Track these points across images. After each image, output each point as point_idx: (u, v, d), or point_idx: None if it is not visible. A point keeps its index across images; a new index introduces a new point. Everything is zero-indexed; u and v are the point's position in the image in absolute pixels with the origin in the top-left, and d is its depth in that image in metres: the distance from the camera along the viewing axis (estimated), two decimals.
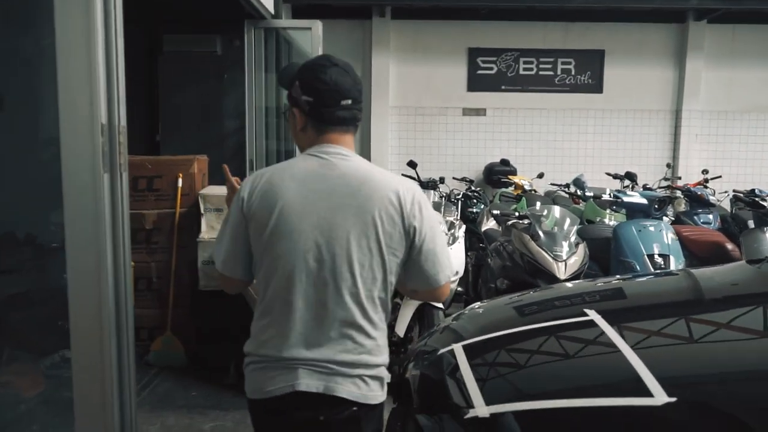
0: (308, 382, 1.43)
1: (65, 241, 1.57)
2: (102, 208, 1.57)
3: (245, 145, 6.62)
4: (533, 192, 6.56)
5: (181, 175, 4.04)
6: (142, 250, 4.06)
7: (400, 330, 3.53)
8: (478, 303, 2.57)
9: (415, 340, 3.61)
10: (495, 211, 3.91)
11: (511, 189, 6.99)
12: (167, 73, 8.17)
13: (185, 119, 7.79)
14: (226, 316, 3.60)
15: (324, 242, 1.43)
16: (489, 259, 4.08)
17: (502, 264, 3.77)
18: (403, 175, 6.76)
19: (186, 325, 4.07)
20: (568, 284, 2.70)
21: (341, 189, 1.45)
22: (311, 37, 6.32)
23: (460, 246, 3.74)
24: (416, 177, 6.38)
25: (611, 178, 7.15)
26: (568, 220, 3.72)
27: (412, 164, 6.28)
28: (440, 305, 3.57)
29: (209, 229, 3.88)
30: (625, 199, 4.04)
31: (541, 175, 7.27)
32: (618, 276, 3.36)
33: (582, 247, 3.59)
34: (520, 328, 1.87)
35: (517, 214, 3.84)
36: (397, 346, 3.55)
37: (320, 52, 6.32)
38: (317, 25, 6.18)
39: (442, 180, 6.06)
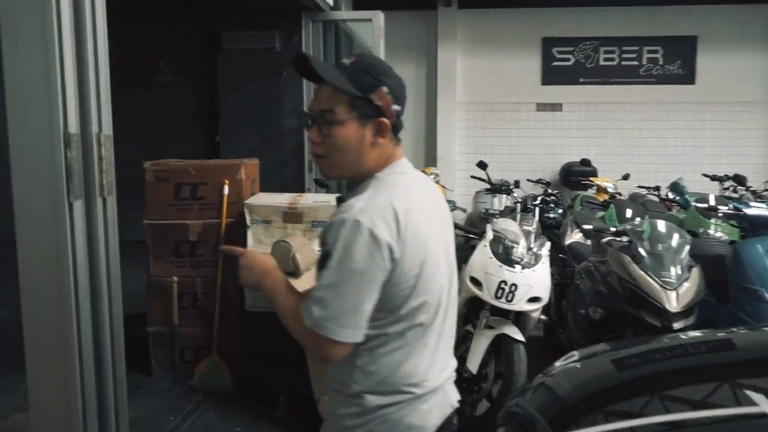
0: (455, 396, 1.47)
1: (20, 295, 1.15)
2: (64, 250, 1.13)
3: (304, 145, 6.30)
4: (618, 195, 5.86)
5: (227, 181, 3.65)
6: (186, 263, 3.71)
7: (473, 365, 3.01)
8: (576, 354, 2.03)
9: (490, 379, 3.08)
10: (586, 226, 3.31)
11: (591, 192, 6.30)
12: (226, 72, 7.96)
13: (244, 119, 7.55)
14: (276, 340, 3.19)
15: (449, 267, 1.45)
16: (577, 280, 3.49)
17: (595, 289, 3.17)
18: (472, 177, 6.23)
19: (232, 346, 3.69)
20: (692, 333, 2.11)
21: (439, 209, 1.46)
22: (372, 29, 5.89)
23: (544, 267, 3.17)
24: (486, 179, 5.83)
25: (709, 180, 6.34)
26: (675, 237, 3.09)
27: (482, 165, 5.73)
28: (521, 338, 3.03)
29: (256, 243, 3.47)
30: (749, 212, 3.34)
31: (626, 177, 6.53)
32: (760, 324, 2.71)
33: (696, 272, 2.95)
34: (654, 418, 1.31)
35: (613, 229, 3.22)
36: (469, 383, 3.03)
37: (381, 46, 5.87)
38: (378, 17, 5.73)
39: (517, 183, 5.47)
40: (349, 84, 1.31)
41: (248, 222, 3.47)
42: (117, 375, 1.28)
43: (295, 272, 3.18)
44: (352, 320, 1.25)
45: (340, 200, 1.45)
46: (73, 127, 1.16)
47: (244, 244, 3.51)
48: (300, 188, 5.95)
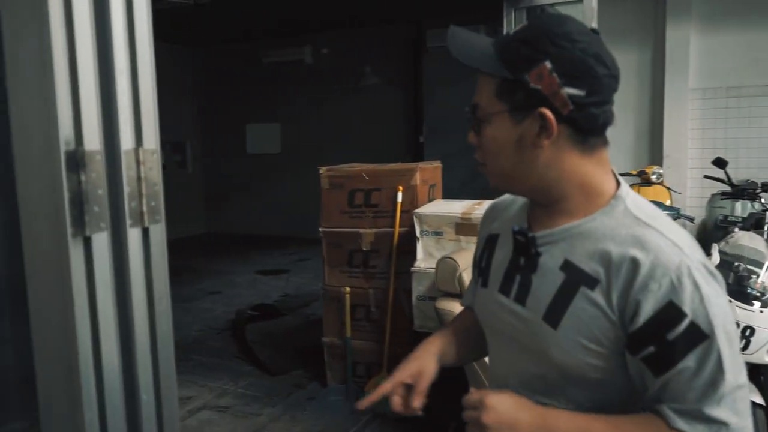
0: None
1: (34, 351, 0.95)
2: (69, 298, 0.90)
3: None
4: None
5: (401, 188, 3.38)
6: (359, 274, 3.53)
7: None
8: None
9: None
10: None
11: None
12: (431, 72, 7.85)
13: (448, 119, 7.33)
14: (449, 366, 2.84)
15: None
16: None
17: None
18: (705, 177, 5.16)
19: None
20: None
21: None
22: (583, 12, 5.20)
23: None
24: (726, 179, 4.78)
25: None
26: None
27: (719, 163, 4.70)
28: (760, 401, 2.24)
29: (427, 256, 3.14)
30: None
31: None
32: None
33: None
34: None
35: None
36: None
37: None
38: None
39: (765, 186, 4.36)
40: (499, 63, 0.93)
41: (418, 233, 3.16)
42: None
43: (461, 294, 2.79)
44: None
45: (523, 234, 1.00)
46: (94, 142, 0.92)
47: (415, 256, 3.21)
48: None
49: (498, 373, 1.11)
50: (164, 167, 8.90)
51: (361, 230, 3.47)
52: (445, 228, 3.07)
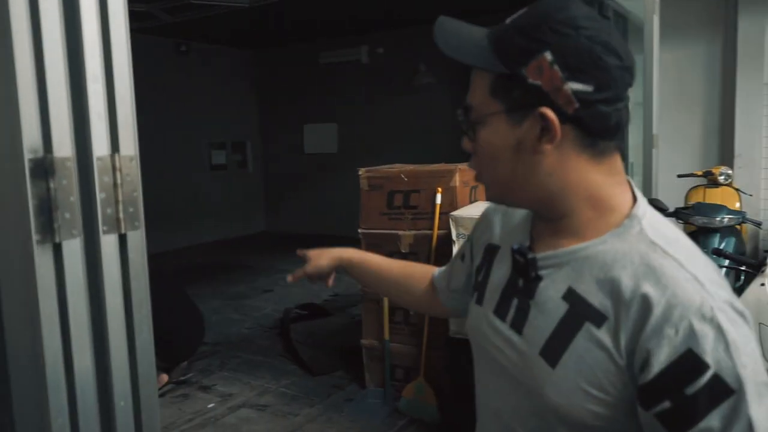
0: None
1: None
2: (34, 300, 0.90)
3: None
4: None
5: (440, 189, 3.31)
6: None
7: None
8: None
9: None
10: None
11: None
12: None
13: None
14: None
15: None
16: None
17: None
18: None
19: (439, 372, 3.34)
20: None
21: None
22: (644, 4, 4.95)
23: None
24: None
25: None
26: None
27: None
28: None
29: None
30: None
31: None
32: None
33: None
34: None
35: None
36: None
37: (655, 22, 4.88)
38: None
39: None
40: (493, 56, 0.82)
41: (454, 236, 3.08)
42: None
43: None
44: None
45: (522, 254, 0.88)
46: (65, 149, 0.92)
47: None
48: None
49: (489, 403, 0.99)
50: (225, 167, 9.11)
51: (400, 232, 3.42)
52: None
